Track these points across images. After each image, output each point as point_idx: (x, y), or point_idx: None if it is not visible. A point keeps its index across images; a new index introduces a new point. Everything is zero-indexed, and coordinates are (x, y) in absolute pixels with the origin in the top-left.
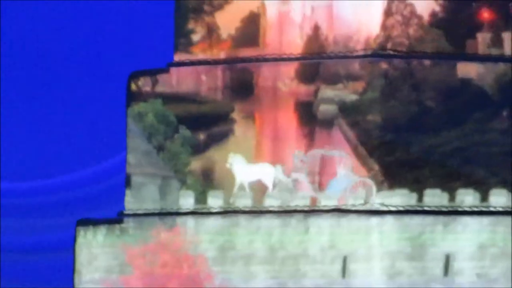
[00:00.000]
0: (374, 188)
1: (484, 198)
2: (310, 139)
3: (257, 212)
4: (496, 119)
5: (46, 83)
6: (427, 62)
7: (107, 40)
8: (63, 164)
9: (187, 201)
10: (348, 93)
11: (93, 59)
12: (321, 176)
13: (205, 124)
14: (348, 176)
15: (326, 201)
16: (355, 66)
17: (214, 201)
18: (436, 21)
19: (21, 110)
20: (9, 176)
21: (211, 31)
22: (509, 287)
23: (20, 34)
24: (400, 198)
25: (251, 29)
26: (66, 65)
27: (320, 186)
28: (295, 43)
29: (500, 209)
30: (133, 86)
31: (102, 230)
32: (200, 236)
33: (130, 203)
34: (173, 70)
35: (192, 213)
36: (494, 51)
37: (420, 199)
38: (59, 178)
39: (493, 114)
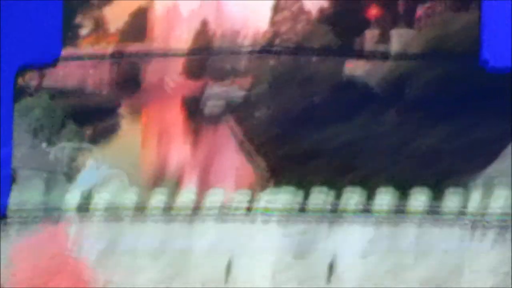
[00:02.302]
0: (127, 181)
1: (370, 196)
2: (197, 135)
3: (142, 209)
4: (382, 116)
5: None
6: (314, 58)
7: None
8: None
9: (73, 197)
10: (235, 89)
11: None
12: (70, 169)
13: (92, 119)
14: (98, 168)
15: (211, 202)
16: (243, 62)
17: (100, 199)
18: (324, 17)
19: None
20: None
21: (99, 25)
22: (393, 287)
23: None
24: (286, 195)
25: (139, 23)
26: None
27: (70, 178)
28: (183, 38)
29: (386, 208)
30: (20, 81)
31: None
32: (85, 233)
33: (16, 198)
34: (60, 64)
35: (77, 209)
36: (382, 48)
37: (306, 196)
38: None
39: (380, 111)
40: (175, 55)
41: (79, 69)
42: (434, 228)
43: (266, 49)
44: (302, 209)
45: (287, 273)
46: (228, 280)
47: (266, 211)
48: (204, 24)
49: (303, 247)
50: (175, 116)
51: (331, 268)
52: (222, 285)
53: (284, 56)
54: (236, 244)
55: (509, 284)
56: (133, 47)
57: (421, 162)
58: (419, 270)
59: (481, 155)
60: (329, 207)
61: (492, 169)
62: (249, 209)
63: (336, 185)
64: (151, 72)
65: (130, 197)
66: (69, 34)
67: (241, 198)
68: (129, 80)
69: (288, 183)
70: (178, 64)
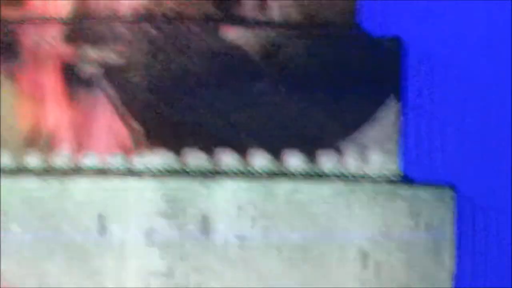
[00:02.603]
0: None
1: (244, 159)
2: (73, 99)
3: (16, 170)
4: (258, 82)
5: None
6: (193, 26)
7: None
8: None
9: None
10: (112, 55)
11: None
12: None
13: None
14: None
15: (85, 164)
16: (121, 29)
17: None
18: None
19: None
20: None
21: None
22: (267, 246)
23: None
24: (160, 158)
25: None
26: None
27: None
28: (62, 4)
29: (260, 171)
30: None
31: None
32: None
33: None
34: None
35: None
36: (260, 16)
37: (180, 159)
38: None
39: (256, 77)
40: (52, 21)
41: None
42: (307, 190)
43: (145, 16)
44: (177, 172)
45: (161, 234)
46: (102, 241)
47: (141, 174)
48: None
49: (177, 209)
50: (51, 80)
51: (204, 230)
52: (95, 247)
53: (163, 24)
54: (110, 207)
55: (375, 236)
56: (10, 13)
57: (294, 126)
58: (291, 232)
59: (352, 119)
60: (203, 169)
61: (364, 134)
62: (123, 172)
63: (210, 148)
64: (28, 37)
65: (2, 159)
66: None
67: (116, 161)
68: (5, 45)
69: (163, 146)
70: (55, 30)
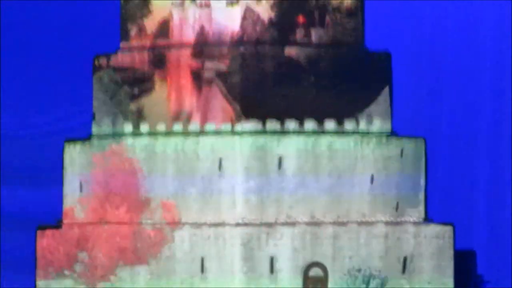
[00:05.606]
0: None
1: (301, 125)
2: (199, 91)
3: (167, 133)
4: (308, 80)
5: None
6: (267, 47)
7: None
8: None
9: (127, 128)
10: (221, 65)
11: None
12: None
13: (138, 83)
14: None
15: (209, 128)
16: (225, 50)
17: (144, 128)
18: (272, 23)
19: None
20: None
21: (141, 29)
22: (315, 174)
23: None
24: (252, 124)
25: (165, 28)
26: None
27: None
28: (190, 36)
29: (310, 131)
30: (96, 62)
31: (78, 144)
32: (135, 147)
33: (95, 129)
34: (119, 52)
35: (131, 134)
36: (306, 40)
37: (264, 125)
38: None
39: (306, 77)
40: (186, 46)
41: (130, 55)
42: (340, 141)
43: (238, 42)
44: (261, 132)
45: (254, 168)
46: (219, 176)
47: (241, 134)
48: (202, 27)
49: (263, 153)
50: (187, 81)
51: (279, 165)
52: (216, 178)
53: (249, 46)
54: (223, 153)
55: (378, 165)
56: (162, 42)
57: (332, 104)
58: (331, 164)
59: (364, 101)
60: (278, 131)
61: (370, 109)
62: (231, 132)
63: (282, 118)
64: (172, 56)
65: (161, 127)
66: (123, 35)
67: (226, 127)
68: (159, 61)
69: (252, 117)
70: (188, 51)
